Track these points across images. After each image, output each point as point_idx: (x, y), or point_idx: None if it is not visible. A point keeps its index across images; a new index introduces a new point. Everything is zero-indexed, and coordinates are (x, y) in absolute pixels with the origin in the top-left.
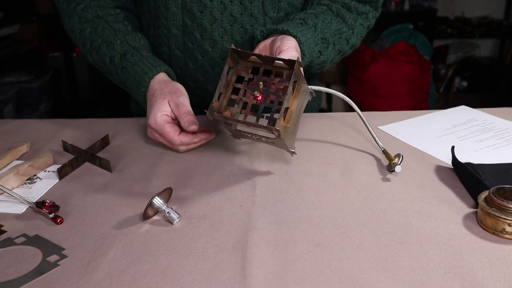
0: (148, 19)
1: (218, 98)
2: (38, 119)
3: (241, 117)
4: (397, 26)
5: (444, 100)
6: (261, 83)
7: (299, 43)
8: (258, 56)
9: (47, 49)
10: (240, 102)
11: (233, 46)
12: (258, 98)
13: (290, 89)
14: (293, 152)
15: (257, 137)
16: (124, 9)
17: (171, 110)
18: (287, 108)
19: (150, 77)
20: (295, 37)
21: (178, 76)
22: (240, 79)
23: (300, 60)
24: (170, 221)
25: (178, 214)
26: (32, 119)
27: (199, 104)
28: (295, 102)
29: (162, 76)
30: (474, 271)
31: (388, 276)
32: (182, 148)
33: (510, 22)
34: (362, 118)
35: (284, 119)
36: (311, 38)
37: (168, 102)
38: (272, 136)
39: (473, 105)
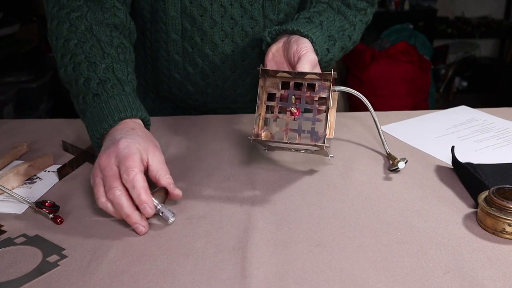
0: (144, 24)
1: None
2: (38, 119)
3: (282, 137)
4: (397, 26)
5: (444, 100)
6: (293, 97)
7: (312, 42)
8: (289, 72)
9: (47, 49)
10: (277, 120)
11: (262, 67)
12: (296, 115)
13: (330, 103)
14: (331, 157)
15: (295, 150)
16: (122, 27)
17: (148, 158)
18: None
19: (122, 117)
20: (306, 36)
21: (176, 80)
22: (270, 96)
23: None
24: (165, 220)
25: (173, 213)
26: (32, 119)
27: (199, 108)
28: (333, 112)
29: (138, 121)
30: (474, 271)
31: (388, 276)
32: (121, 195)
33: (510, 22)
34: (375, 120)
35: (328, 132)
36: (320, 37)
37: (153, 148)
38: (315, 148)
39: (473, 105)
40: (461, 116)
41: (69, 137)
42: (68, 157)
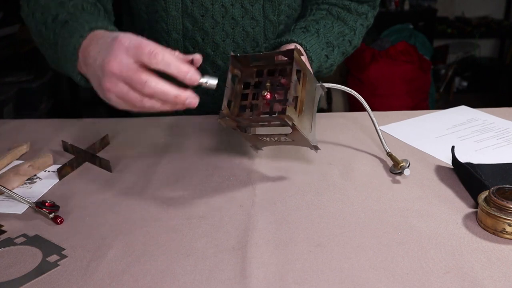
0: (142, 25)
1: (228, 106)
2: (38, 119)
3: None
4: (397, 26)
5: (444, 100)
6: (267, 83)
7: (305, 50)
8: (257, 55)
9: None
10: (250, 106)
11: (232, 53)
12: (267, 97)
13: (294, 77)
14: (316, 147)
15: (276, 139)
16: (97, 2)
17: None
18: (296, 97)
19: (92, 27)
20: (300, 44)
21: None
22: (247, 86)
23: (300, 51)
24: (211, 88)
25: (214, 77)
26: (32, 119)
27: (199, 108)
28: (304, 91)
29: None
30: (474, 271)
31: (388, 276)
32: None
33: (510, 22)
34: (373, 120)
35: (295, 109)
36: (316, 44)
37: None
38: (290, 131)
39: (473, 105)
40: (461, 116)
41: (69, 137)
42: (68, 157)
